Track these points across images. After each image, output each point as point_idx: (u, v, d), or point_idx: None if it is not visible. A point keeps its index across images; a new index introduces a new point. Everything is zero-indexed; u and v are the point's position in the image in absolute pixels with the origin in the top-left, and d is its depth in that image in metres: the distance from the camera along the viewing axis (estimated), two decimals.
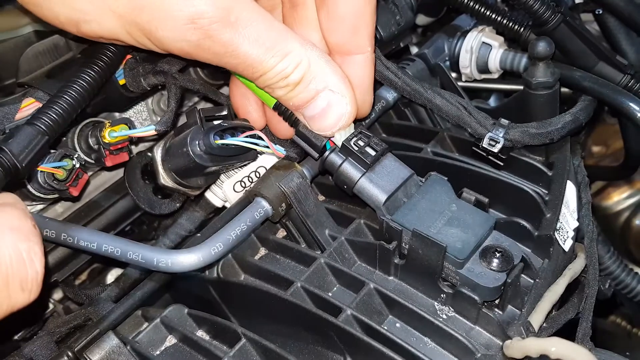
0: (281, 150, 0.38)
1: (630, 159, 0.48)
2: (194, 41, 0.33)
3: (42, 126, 0.33)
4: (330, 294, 0.36)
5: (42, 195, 0.37)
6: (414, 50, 0.55)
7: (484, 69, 0.47)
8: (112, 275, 0.50)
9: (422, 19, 0.57)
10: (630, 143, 0.47)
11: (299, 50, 0.35)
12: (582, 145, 0.70)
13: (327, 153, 0.37)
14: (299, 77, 0.35)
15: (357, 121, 0.39)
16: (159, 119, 0.43)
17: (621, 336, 0.65)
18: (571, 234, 0.40)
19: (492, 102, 0.56)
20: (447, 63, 0.48)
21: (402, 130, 0.47)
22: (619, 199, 0.80)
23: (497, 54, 0.46)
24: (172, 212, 0.44)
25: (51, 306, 0.44)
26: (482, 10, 0.44)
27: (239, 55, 0.34)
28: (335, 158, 0.37)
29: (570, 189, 0.41)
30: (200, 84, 0.42)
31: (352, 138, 0.37)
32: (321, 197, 0.43)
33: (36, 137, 0.33)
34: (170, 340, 0.37)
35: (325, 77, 0.36)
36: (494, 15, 0.44)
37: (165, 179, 0.41)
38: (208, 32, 0.33)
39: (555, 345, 0.29)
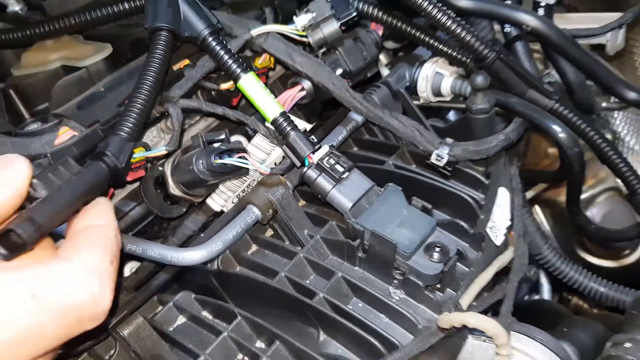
0: (266, 169, 0.47)
1: (563, 167, 0.57)
2: None
3: (126, 134, 0.41)
4: (307, 282, 0.46)
5: None
6: (385, 71, 0.64)
7: (437, 93, 0.56)
8: (127, 268, 0.59)
9: (391, 44, 0.66)
10: (561, 154, 0.56)
11: None
12: (536, 149, 0.80)
13: (304, 169, 0.46)
14: None
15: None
16: (166, 136, 0.52)
17: (567, 315, 0.74)
18: (503, 231, 0.50)
19: (451, 115, 0.65)
20: (408, 87, 0.57)
21: (370, 145, 0.56)
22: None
23: (448, 81, 0.55)
24: (179, 216, 0.53)
25: None
26: (436, 45, 0.53)
27: None
28: (311, 173, 0.46)
29: (504, 194, 0.51)
30: (198, 102, 0.50)
31: (325, 157, 0.46)
32: (302, 202, 0.53)
33: (125, 143, 0.41)
34: (181, 320, 0.47)
35: None
36: (445, 49, 0.53)
37: (174, 189, 0.50)
38: None
39: (473, 317, 0.38)
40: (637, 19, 0.74)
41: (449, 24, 0.48)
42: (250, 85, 0.48)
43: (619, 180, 0.86)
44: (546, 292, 0.83)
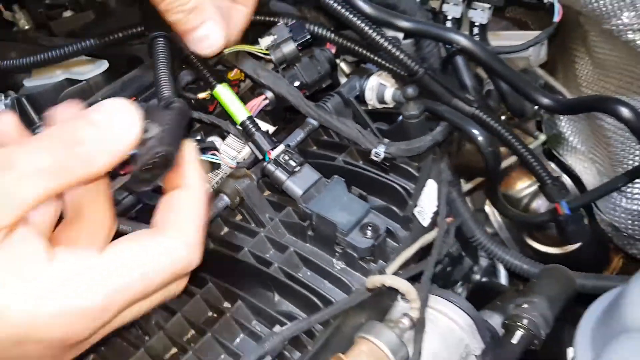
0: (233, 163, 0.58)
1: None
2: None
3: None
4: (267, 255, 0.56)
5: None
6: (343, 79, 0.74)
7: (381, 101, 0.67)
8: None
9: (350, 58, 0.77)
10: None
11: None
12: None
13: (265, 163, 0.57)
14: (192, 7, 0.48)
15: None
16: None
17: (508, 292, 0.84)
18: (430, 215, 0.61)
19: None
20: (358, 96, 0.68)
21: (325, 144, 0.67)
22: (521, 187, 1.00)
23: (390, 91, 0.65)
24: None
25: None
26: (380, 61, 0.64)
27: None
28: (270, 167, 0.56)
29: (432, 184, 0.61)
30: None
31: (281, 154, 0.56)
32: (267, 192, 0.63)
33: None
34: None
35: (210, 12, 0.49)
36: (387, 65, 0.64)
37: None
38: None
39: (390, 279, 0.49)
40: (574, 34, 0.85)
41: (385, 45, 0.59)
42: (223, 93, 0.59)
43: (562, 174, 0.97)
44: (502, 277, 0.94)
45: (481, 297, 0.73)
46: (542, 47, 0.73)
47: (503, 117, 0.90)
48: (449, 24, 0.74)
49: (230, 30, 0.52)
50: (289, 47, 0.60)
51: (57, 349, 0.34)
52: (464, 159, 0.71)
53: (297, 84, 0.62)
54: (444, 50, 0.71)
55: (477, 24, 0.72)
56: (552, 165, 1.03)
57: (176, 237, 0.36)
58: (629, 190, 0.82)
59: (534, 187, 0.99)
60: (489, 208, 0.97)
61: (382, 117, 0.68)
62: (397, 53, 0.59)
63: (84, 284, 0.32)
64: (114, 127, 0.33)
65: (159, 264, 0.35)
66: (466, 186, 0.79)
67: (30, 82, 0.64)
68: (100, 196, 0.37)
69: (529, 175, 0.99)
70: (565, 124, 0.95)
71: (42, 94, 0.62)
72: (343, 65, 0.75)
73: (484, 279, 0.89)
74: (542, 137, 0.86)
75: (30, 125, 0.62)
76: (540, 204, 0.97)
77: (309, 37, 0.60)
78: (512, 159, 0.82)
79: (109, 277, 0.33)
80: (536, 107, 0.78)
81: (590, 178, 0.91)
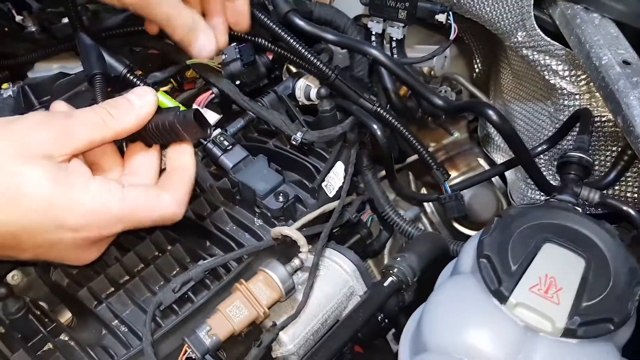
0: None
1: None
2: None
3: None
4: (205, 214, 0.74)
5: None
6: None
7: (308, 98, 0.83)
8: None
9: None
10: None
11: (189, 12, 0.65)
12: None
13: (205, 142, 0.74)
14: (191, 25, 0.66)
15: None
16: None
17: None
18: (336, 188, 0.77)
19: None
20: (290, 94, 0.85)
21: (263, 131, 0.84)
22: (453, 176, 1.16)
23: (314, 91, 0.82)
24: None
25: None
26: (307, 67, 0.81)
27: (159, 7, 0.63)
28: (209, 145, 0.73)
29: (339, 165, 0.78)
30: None
31: (217, 135, 0.73)
32: (213, 168, 0.80)
33: None
34: None
35: (201, 26, 0.67)
36: (312, 69, 0.80)
37: None
38: None
39: (287, 229, 0.65)
40: (500, 48, 1.01)
41: (305, 54, 0.76)
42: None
43: (487, 168, 1.12)
44: None
45: None
46: (445, 59, 0.89)
47: (430, 118, 1.07)
48: (373, 39, 0.90)
49: (241, 19, 0.74)
50: (236, 67, 0.76)
51: (82, 240, 0.52)
52: (374, 149, 0.87)
53: (237, 82, 0.79)
54: None
55: (394, 38, 0.89)
56: (481, 161, 1.20)
57: (174, 197, 0.56)
58: (532, 182, 0.98)
59: (461, 178, 1.15)
60: None
61: (311, 112, 0.85)
62: (314, 60, 0.76)
63: (110, 198, 0.52)
64: (139, 101, 0.56)
65: (157, 210, 0.55)
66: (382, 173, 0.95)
67: (33, 74, 0.81)
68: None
69: (456, 167, 1.15)
70: (492, 126, 1.11)
71: (41, 84, 0.79)
72: (291, 68, 0.92)
73: None
74: (456, 134, 1.02)
75: (31, 107, 0.80)
76: (465, 193, 1.13)
77: (253, 59, 0.77)
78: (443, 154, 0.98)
79: (125, 201, 0.52)
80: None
81: (509, 173, 1.07)
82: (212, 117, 0.79)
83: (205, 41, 0.68)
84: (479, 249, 0.59)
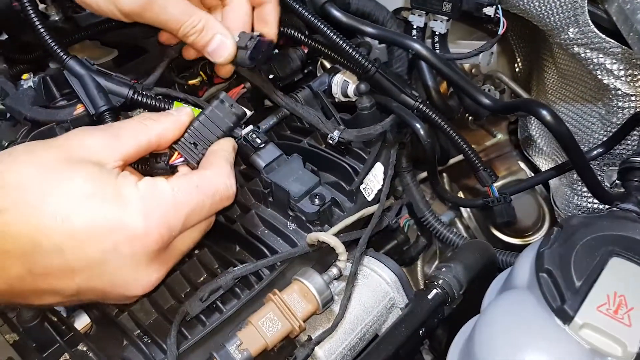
0: None
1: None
2: (140, 4, 0.57)
3: None
4: (235, 216, 0.68)
5: None
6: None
7: (345, 95, 0.78)
8: None
9: None
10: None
11: (201, 13, 0.60)
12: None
13: (236, 140, 0.69)
14: (202, 27, 0.60)
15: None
16: None
17: None
18: (375, 191, 0.71)
19: None
20: (326, 90, 0.79)
21: (296, 129, 0.78)
22: None
23: (352, 87, 0.77)
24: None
25: None
26: (344, 62, 0.75)
27: (168, 14, 0.58)
28: (240, 143, 0.68)
29: (379, 166, 0.72)
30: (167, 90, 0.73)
31: (249, 133, 0.68)
32: (243, 167, 0.75)
33: None
34: None
35: (216, 27, 0.62)
36: (349, 65, 0.75)
37: None
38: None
39: (325, 235, 0.60)
40: (544, 46, 0.95)
41: (344, 46, 0.70)
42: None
43: (529, 173, 1.06)
44: None
45: None
46: (492, 55, 0.83)
47: (470, 118, 1.01)
48: (414, 33, 0.85)
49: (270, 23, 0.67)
50: (242, 56, 0.66)
51: (142, 248, 0.45)
52: (414, 150, 0.81)
53: (271, 76, 0.74)
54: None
55: (437, 33, 0.83)
56: (522, 165, 1.13)
57: (217, 171, 0.52)
58: (579, 188, 0.92)
59: (500, 183, 1.09)
60: None
61: (347, 109, 0.80)
62: (354, 54, 0.70)
63: (162, 191, 0.47)
64: (176, 111, 0.56)
65: (209, 190, 0.50)
66: (422, 174, 0.89)
67: (55, 65, 0.77)
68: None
69: (498, 171, 1.09)
70: (535, 128, 1.05)
71: (62, 74, 0.75)
72: (326, 63, 0.87)
73: None
74: (500, 136, 0.96)
75: (52, 99, 0.76)
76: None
77: (263, 58, 0.68)
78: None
79: (176, 190, 0.48)
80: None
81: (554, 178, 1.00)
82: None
83: (222, 43, 0.63)
84: (538, 262, 0.53)
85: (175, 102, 0.66)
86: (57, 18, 0.87)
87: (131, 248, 0.45)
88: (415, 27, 0.84)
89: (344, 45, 0.71)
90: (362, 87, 0.70)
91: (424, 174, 0.91)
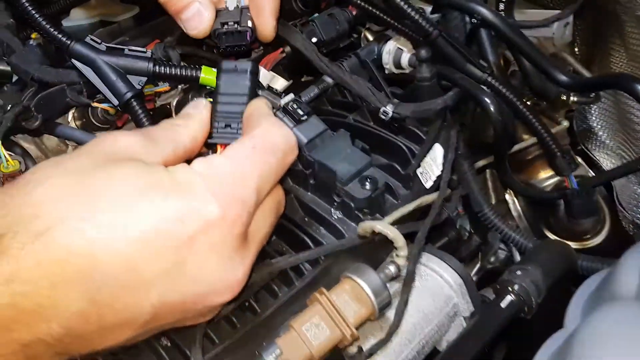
0: None
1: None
2: None
3: None
4: None
5: (99, 125, 0.60)
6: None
7: (398, 66, 0.67)
8: None
9: (375, 27, 0.78)
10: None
11: None
12: None
13: (274, 111, 0.59)
14: None
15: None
16: None
17: None
18: (433, 177, 0.61)
19: None
20: (375, 59, 0.69)
21: (339, 104, 0.68)
22: (544, 177, 0.99)
23: (406, 56, 0.66)
24: None
25: None
26: (397, 25, 0.65)
27: None
28: (279, 114, 0.58)
29: (438, 149, 0.62)
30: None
31: (290, 102, 0.58)
32: None
33: None
34: None
35: None
36: (403, 29, 0.64)
37: None
38: None
39: (379, 224, 0.50)
40: (610, 26, 0.84)
41: (401, 5, 0.60)
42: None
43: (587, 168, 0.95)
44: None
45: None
46: (567, 27, 0.72)
47: (529, 102, 0.90)
48: None
49: (260, 12, 0.55)
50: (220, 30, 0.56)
51: (220, 227, 0.38)
52: (477, 131, 0.71)
53: (314, 40, 0.64)
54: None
55: None
56: (580, 160, 1.02)
57: (266, 126, 0.46)
58: None
59: (558, 178, 0.97)
60: (509, 197, 0.97)
61: (399, 84, 0.69)
62: (412, 13, 0.60)
63: (224, 176, 0.41)
64: (194, 109, 0.50)
65: (267, 146, 0.44)
66: (480, 163, 0.78)
67: (68, 22, 0.68)
68: None
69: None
70: (595, 118, 0.94)
71: (76, 34, 0.65)
72: (367, 34, 0.77)
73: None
74: (565, 123, 0.85)
75: (64, 62, 0.66)
76: None
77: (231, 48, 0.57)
78: (529, 142, 0.81)
79: (238, 166, 0.42)
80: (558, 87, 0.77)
81: None
82: (280, 83, 0.64)
83: (198, 13, 0.54)
84: None
85: (204, 67, 0.56)
86: None
87: (210, 238, 0.37)
88: None
89: (402, 3, 0.60)
90: (423, 53, 0.59)
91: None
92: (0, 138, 0.53)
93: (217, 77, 0.52)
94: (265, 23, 0.56)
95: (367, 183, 0.55)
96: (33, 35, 0.69)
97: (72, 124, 0.62)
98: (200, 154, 0.49)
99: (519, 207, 0.98)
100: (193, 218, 0.37)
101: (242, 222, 0.39)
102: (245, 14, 0.56)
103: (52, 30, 0.55)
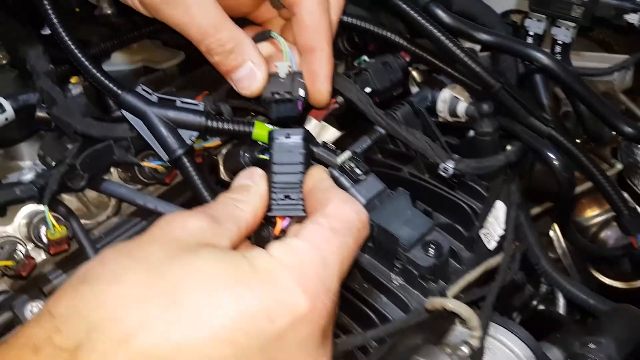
0: None
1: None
2: None
3: None
4: None
5: (145, 180, 0.58)
6: (416, 89, 0.72)
7: (453, 115, 0.64)
8: None
9: (423, 67, 0.75)
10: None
11: (234, 29, 0.50)
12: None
13: (329, 169, 0.56)
14: (232, 48, 0.49)
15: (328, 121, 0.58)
16: None
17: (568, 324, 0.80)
18: (496, 238, 0.58)
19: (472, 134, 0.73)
20: (429, 107, 0.66)
21: (391, 154, 0.65)
22: (590, 215, 0.96)
23: (463, 105, 0.63)
24: None
25: None
26: (453, 74, 0.62)
27: (190, 16, 0.47)
28: (334, 173, 0.55)
29: (500, 206, 0.59)
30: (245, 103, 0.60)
31: (347, 161, 0.55)
32: None
33: None
34: None
35: (249, 52, 0.51)
36: (461, 78, 0.62)
37: (224, 175, 0.61)
38: None
39: (451, 302, 0.47)
40: None
41: (462, 56, 0.57)
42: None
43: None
44: (561, 307, 0.89)
45: (538, 326, 0.70)
46: (627, 72, 0.69)
47: (578, 141, 0.86)
48: (529, 40, 0.71)
49: (316, 78, 0.52)
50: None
51: (308, 330, 0.35)
52: (535, 181, 0.68)
53: (368, 90, 0.61)
54: (521, 65, 0.69)
55: (560, 42, 0.69)
56: (626, 195, 0.98)
57: (337, 203, 0.41)
58: None
59: (604, 217, 0.94)
60: (553, 233, 0.93)
61: (452, 131, 0.66)
62: (474, 65, 0.57)
63: (307, 264, 0.37)
64: (250, 180, 0.46)
65: (345, 227, 0.40)
66: (534, 210, 0.75)
67: (109, 67, 0.65)
68: None
69: (600, 203, 0.94)
70: None
71: (119, 79, 0.63)
72: (415, 74, 0.74)
73: (541, 307, 0.85)
74: (619, 166, 0.81)
75: (107, 110, 0.64)
76: (609, 235, 0.92)
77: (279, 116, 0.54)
78: (585, 185, 0.78)
79: (319, 251, 0.37)
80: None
81: None
82: (331, 133, 0.61)
83: (251, 73, 0.51)
84: None
85: (256, 123, 0.53)
86: (109, 12, 0.75)
87: (298, 333, 0.34)
88: (532, 33, 0.70)
89: (461, 53, 0.57)
90: (486, 108, 0.57)
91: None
92: (46, 203, 0.50)
93: (269, 147, 0.49)
94: (321, 90, 0.53)
95: (430, 248, 0.52)
96: (73, 80, 0.66)
97: (116, 177, 0.60)
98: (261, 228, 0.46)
99: (563, 244, 0.94)
100: (281, 313, 0.33)
101: (328, 312, 0.36)
102: (297, 80, 0.52)
103: (102, 78, 0.52)
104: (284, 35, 0.56)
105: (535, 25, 0.70)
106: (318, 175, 0.47)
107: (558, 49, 0.70)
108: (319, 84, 0.53)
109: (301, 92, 0.51)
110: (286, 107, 0.51)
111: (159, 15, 0.49)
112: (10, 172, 0.68)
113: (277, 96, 0.51)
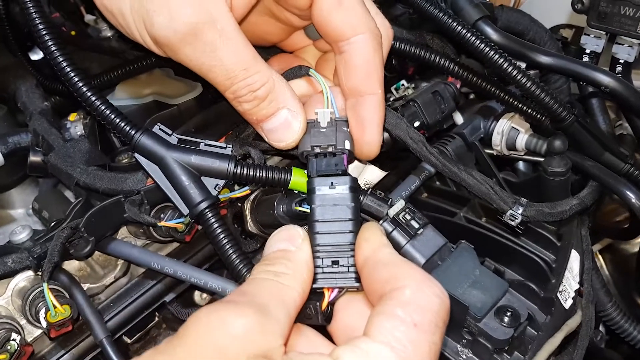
0: None
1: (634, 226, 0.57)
2: (181, 32, 0.38)
3: None
4: None
5: (161, 238, 0.49)
6: (458, 116, 0.64)
7: (511, 147, 0.57)
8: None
9: (464, 89, 0.67)
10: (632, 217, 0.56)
11: (266, 71, 0.41)
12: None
13: (380, 222, 0.48)
14: (264, 94, 0.41)
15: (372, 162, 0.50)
16: None
17: None
18: (572, 294, 0.50)
19: (521, 165, 0.65)
20: (482, 138, 0.58)
21: (441, 194, 0.57)
22: (636, 242, 0.89)
23: (523, 138, 0.55)
24: (254, 250, 0.55)
25: None
26: (511, 101, 0.54)
27: (216, 58, 0.39)
28: (387, 227, 0.47)
29: (575, 257, 0.51)
30: None
31: (401, 212, 0.47)
32: None
33: None
34: None
35: (285, 98, 0.42)
36: (520, 106, 0.54)
37: (251, 226, 0.52)
38: (195, 28, 0.38)
39: None
40: None
41: (528, 85, 0.49)
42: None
43: None
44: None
45: None
46: None
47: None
48: (586, 59, 0.63)
49: (368, 125, 0.43)
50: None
51: None
52: (603, 219, 0.60)
53: (416, 124, 0.53)
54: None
55: (621, 61, 0.62)
56: None
57: (413, 285, 0.34)
58: None
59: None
60: (598, 261, 0.86)
61: (503, 163, 0.59)
62: (543, 96, 0.49)
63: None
64: (289, 244, 0.38)
65: (428, 318, 0.33)
66: (595, 247, 0.68)
67: (113, 101, 0.56)
68: None
69: None
70: None
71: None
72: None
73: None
74: None
75: (111, 150, 0.55)
76: None
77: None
78: None
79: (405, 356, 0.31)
80: None
81: None
82: (374, 174, 0.53)
83: (286, 123, 0.43)
84: None
85: (294, 169, 0.45)
86: (109, 34, 0.66)
87: None
88: (588, 51, 0.63)
89: (528, 82, 0.49)
90: (558, 145, 0.49)
91: None
92: (46, 280, 0.41)
93: (309, 199, 0.41)
94: (371, 141, 0.44)
95: (506, 317, 0.44)
96: (71, 117, 0.57)
97: (124, 231, 0.51)
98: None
99: (607, 273, 0.88)
100: None
101: None
102: (341, 130, 0.43)
103: (113, 116, 0.43)
104: (321, 71, 0.47)
105: (593, 42, 0.62)
106: (376, 239, 0.38)
107: (619, 68, 0.62)
108: (369, 134, 0.44)
109: (347, 145, 0.42)
110: (329, 163, 0.42)
111: (177, 57, 0.41)
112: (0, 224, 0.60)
113: (317, 149, 0.42)
